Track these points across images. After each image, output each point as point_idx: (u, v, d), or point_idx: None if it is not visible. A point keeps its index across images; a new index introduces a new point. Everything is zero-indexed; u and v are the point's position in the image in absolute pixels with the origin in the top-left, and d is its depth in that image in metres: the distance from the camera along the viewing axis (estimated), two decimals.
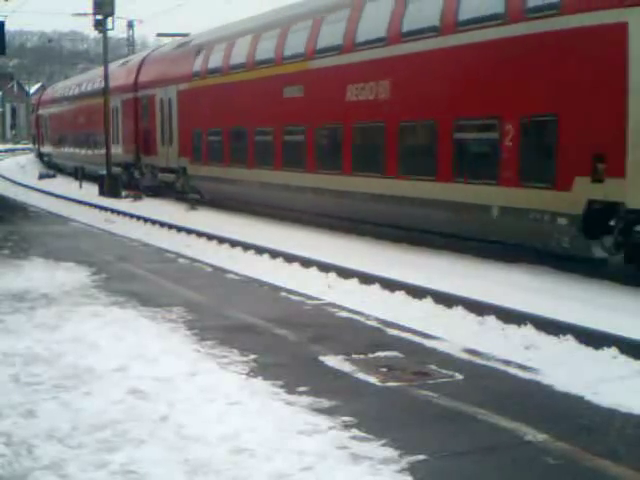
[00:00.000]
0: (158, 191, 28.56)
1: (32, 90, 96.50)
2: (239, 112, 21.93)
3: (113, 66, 36.10)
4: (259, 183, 21.11)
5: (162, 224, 20.86)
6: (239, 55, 22.35)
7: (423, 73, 15.03)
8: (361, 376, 6.58)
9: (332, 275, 12.64)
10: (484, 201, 13.50)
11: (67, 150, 44.14)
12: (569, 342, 8.42)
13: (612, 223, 11.25)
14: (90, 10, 33.71)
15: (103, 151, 33.23)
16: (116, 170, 32.26)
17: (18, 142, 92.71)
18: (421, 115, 15.10)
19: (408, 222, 15.73)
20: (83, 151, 39.77)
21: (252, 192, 21.79)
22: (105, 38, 33.28)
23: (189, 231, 19.01)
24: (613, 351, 7.91)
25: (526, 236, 12.98)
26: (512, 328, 9.08)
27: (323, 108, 18.01)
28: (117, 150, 32.91)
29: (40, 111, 55.12)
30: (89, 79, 41.93)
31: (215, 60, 23.81)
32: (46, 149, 52.11)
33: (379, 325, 8.42)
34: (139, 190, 30.18)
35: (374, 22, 16.27)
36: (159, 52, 31.89)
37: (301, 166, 18.91)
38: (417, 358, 7.10)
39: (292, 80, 19.22)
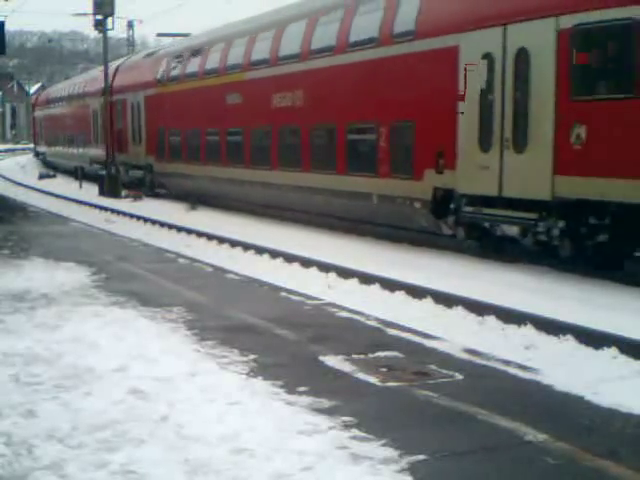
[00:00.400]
0: (131, 187, 30.71)
1: (32, 90, 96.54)
2: (193, 115, 25.02)
3: (95, 71, 40.21)
4: (210, 178, 24.03)
5: (162, 224, 20.85)
6: (193, 66, 25.56)
7: (325, 85, 18.05)
8: (361, 376, 6.58)
9: (332, 275, 12.63)
10: (367, 190, 16.46)
11: (57, 149, 47.15)
12: (569, 342, 8.42)
13: (451, 205, 14.18)
14: (90, 10, 33.74)
15: (84, 150, 37.98)
16: (96, 167, 35.45)
17: (18, 142, 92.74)
18: (324, 120, 18.05)
19: (318, 208, 18.81)
20: (70, 150, 42.75)
21: (205, 186, 24.68)
22: (105, 38, 33.28)
23: (189, 231, 19.01)
24: (613, 351, 7.91)
25: (397, 218, 15.94)
26: (512, 328, 9.08)
27: (256, 113, 21.07)
28: (97, 149, 36.21)
29: (36, 112, 58.42)
30: (75, 83, 45.29)
31: (174, 69, 27.03)
32: (41, 148, 55.06)
33: (379, 325, 8.42)
34: (138, 190, 30.23)
35: (292, 41, 19.38)
36: (130, 61, 35.05)
37: (240, 163, 22.01)
38: (417, 358, 7.10)
39: (233, 89, 22.38)
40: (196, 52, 25.58)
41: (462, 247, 14.38)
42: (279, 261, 14.42)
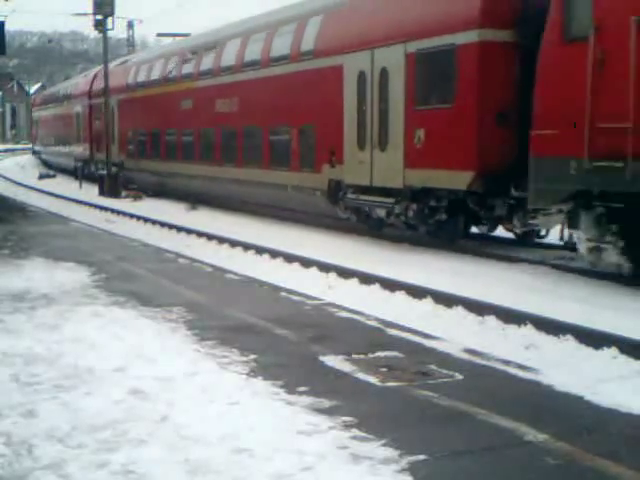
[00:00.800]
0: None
1: (32, 90, 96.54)
2: (155, 118, 28.51)
3: (79, 77, 44.99)
4: (168, 173, 27.57)
5: (162, 224, 20.85)
6: (155, 74, 29.06)
7: (253, 93, 21.31)
8: (361, 376, 6.58)
9: (332, 275, 12.63)
10: (284, 182, 19.58)
11: (51, 148, 50.50)
12: (569, 342, 8.41)
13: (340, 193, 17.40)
14: (90, 10, 33.74)
15: (71, 149, 41.78)
16: (78, 165, 39.51)
17: (18, 142, 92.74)
18: (253, 123, 21.28)
19: (250, 198, 22.37)
20: (60, 149, 46.09)
21: (166, 181, 28.09)
22: (105, 38, 33.28)
23: (189, 231, 19.00)
24: (613, 351, 7.90)
25: (305, 204, 19.19)
26: (512, 328, 9.07)
27: (203, 116, 24.41)
28: (80, 148, 39.78)
29: (33, 113, 62.39)
30: (64, 87, 48.92)
31: (141, 77, 30.62)
32: (38, 147, 58.97)
33: (379, 325, 8.42)
34: (138, 190, 30.30)
35: (230, 56, 22.90)
36: (115, 67, 37.29)
37: (192, 159, 25.43)
38: (417, 358, 7.10)
39: (186, 95, 25.84)
40: (157, 62, 29.31)
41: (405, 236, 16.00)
42: (279, 261, 14.41)
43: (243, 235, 17.39)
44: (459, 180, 13.80)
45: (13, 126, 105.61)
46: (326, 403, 5.84)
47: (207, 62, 24.34)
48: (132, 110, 31.19)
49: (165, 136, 27.56)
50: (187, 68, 25.89)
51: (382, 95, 15.67)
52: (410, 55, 14.90)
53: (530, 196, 12.24)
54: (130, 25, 58.27)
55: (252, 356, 7.10)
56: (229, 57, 22.84)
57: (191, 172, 25.30)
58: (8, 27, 25.13)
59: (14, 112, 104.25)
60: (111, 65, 36.36)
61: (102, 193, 31.33)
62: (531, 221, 13.31)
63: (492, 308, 9.70)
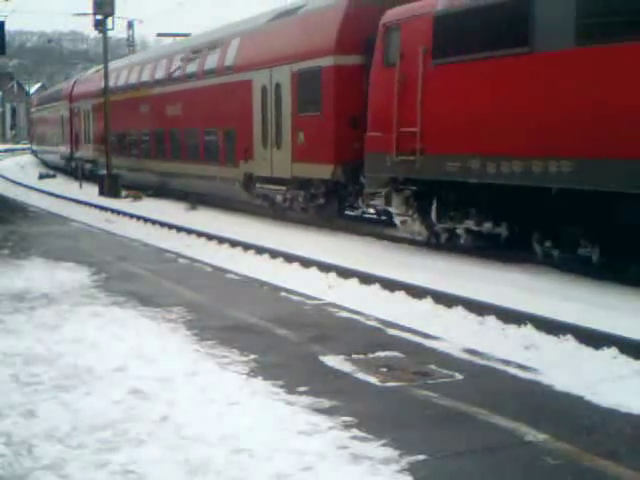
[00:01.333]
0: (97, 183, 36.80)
1: (32, 90, 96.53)
2: (121, 120, 32.38)
3: (64, 83, 49.81)
4: (132, 169, 31.72)
5: (162, 224, 20.86)
6: (121, 81, 33.33)
7: (192, 100, 25.54)
8: (361, 376, 6.58)
9: (332, 275, 12.63)
10: (214, 174, 23.71)
11: (44, 147, 54.64)
12: (569, 342, 8.41)
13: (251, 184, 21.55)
14: (90, 10, 33.72)
15: (57, 148, 46.04)
16: (61, 162, 45.33)
17: (18, 142, 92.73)
18: (192, 125, 25.59)
19: (192, 189, 26.14)
20: (50, 148, 50.26)
21: (131, 175, 31.86)
22: (105, 38, 33.27)
23: (189, 231, 19.01)
24: (613, 351, 7.91)
25: (229, 193, 23.27)
26: (512, 328, 9.07)
27: (157, 119, 28.71)
28: (64, 147, 44.05)
29: (31, 114, 67.07)
30: (54, 90, 53.73)
31: (110, 84, 33.74)
32: (34, 146, 62.87)
33: (379, 325, 8.42)
34: (138, 190, 30.35)
35: (176, 68, 27.16)
36: (85, 74, 43.79)
37: (150, 156, 29.59)
38: (417, 358, 7.10)
39: (144, 101, 29.98)
40: (124, 71, 33.46)
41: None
42: (279, 261, 14.42)
43: (243, 235, 17.40)
44: (325, 171, 17.79)
45: (13, 126, 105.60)
46: (326, 403, 5.84)
47: (160, 73, 28.74)
48: (101, 113, 34.88)
49: (129, 136, 32.10)
50: (145, 77, 30.27)
51: (277, 104, 19.80)
52: (294, 74, 19.01)
53: (366, 182, 16.45)
54: (130, 25, 58.28)
55: (252, 356, 7.10)
56: (175, 69, 27.33)
57: (150, 167, 29.47)
58: (8, 27, 25.45)
59: (14, 112, 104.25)
60: (88, 72, 42.36)
61: (102, 193, 31.35)
62: (371, 202, 16.95)
63: (492, 308, 9.70)
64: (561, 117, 11.40)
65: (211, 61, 24.22)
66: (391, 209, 15.90)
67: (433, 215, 14.63)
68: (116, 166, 32.36)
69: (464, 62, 13.31)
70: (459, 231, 14.38)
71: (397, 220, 15.87)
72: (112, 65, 34.96)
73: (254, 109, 20.88)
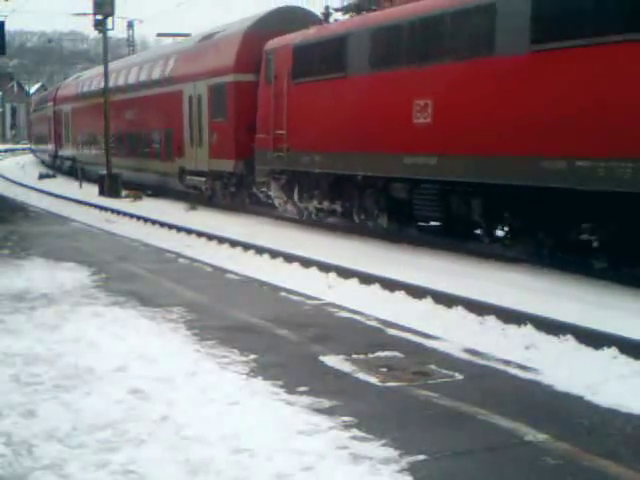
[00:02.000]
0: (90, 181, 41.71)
1: (32, 90, 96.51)
2: (92, 122, 37.20)
3: (51, 88, 56.99)
4: (96, 163, 36.03)
5: (162, 224, 20.86)
6: (92, 88, 38.17)
7: (144, 106, 30.36)
8: (361, 376, 6.58)
9: (332, 275, 12.63)
10: (157, 169, 28.71)
11: (39, 146, 58.79)
12: (569, 342, 8.42)
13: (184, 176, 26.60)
14: (90, 10, 33.70)
15: (47, 146, 51.07)
16: (49, 160, 51.08)
17: (18, 142, 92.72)
18: (144, 127, 30.43)
19: (145, 181, 30.94)
20: (42, 146, 55.34)
21: (95, 169, 35.71)
22: (105, 38, 33.27)
23: (189, 231, 19.01)
24: (613, 351, 7.91)
25: (169, 185, 28.07)
26: (512, 328, 9.07)
27: (119, 122, 32.86)
28: (51, 146, 49.07)
29: (30, 115, 70.78)
30: (45, 94, 59.42)
31: (84, 90, 39.88)
32: (32, 145, 66.83)
33: (379, 325, 8.42)
34: (137, 190, 30.40)
35: (132, 78, 32.27)
36: (68, 80, 49.68)
37: (114, 154, 33.12)
38: (417, 358, 7.10)
39: (110, 106, 33.07)
40: (95, 79, 37.97)
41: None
42: (279, 261, 14.42)
43: (243, 235, 17.40)
44: (229, 165, 22.64)
45: (13, 126, 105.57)
46: (326, 403, 5.84)
47: (121, 81, 33.55)
48: (79, 116, 40.67)
49: (96, 136, 36.70)
50: (116, 85, 34.47)
51: (199, 111, 24.81)
52: (209, 87, 24.03)
53: (256, 173, 20.96)
54: (130, 25, 58.26)
55: (252, 356, 7.10)
56: (132, 79, 32.16)
57: (112, 163, 33.08)
58: (8, 27, 25.50)
59: (14, 112, 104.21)
60: (69, 79, 48.12)
61: (102, 193, 31.35)
62: (263, 189, 21.34)
63: (492, 308, 9.70)
64: (363, 123, 16.28)
65: (156, 73, 29.31)
66: (271, 193, 20.81)
67: (295, 197, 19.70)
68: (85, 161, 38.53)
69: (310, 82, 18.12)
70: (310, 208, 19.38)
71: (276, 202, 20.84)
72: (87, 73, 41.60)
73: (184, 115, 26.04)
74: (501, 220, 13.77)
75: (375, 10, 17.77)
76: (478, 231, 14.73)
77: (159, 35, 52.68)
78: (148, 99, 29.36)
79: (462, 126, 13.58)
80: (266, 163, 20.12)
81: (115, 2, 32.76)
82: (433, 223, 16.03)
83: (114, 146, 32.83)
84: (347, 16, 20.93)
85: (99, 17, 32.95)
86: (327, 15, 20.48)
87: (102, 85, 33.20)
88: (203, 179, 24.73)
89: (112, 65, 34.98)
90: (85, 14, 39.27)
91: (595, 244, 11.64)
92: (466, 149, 13.46)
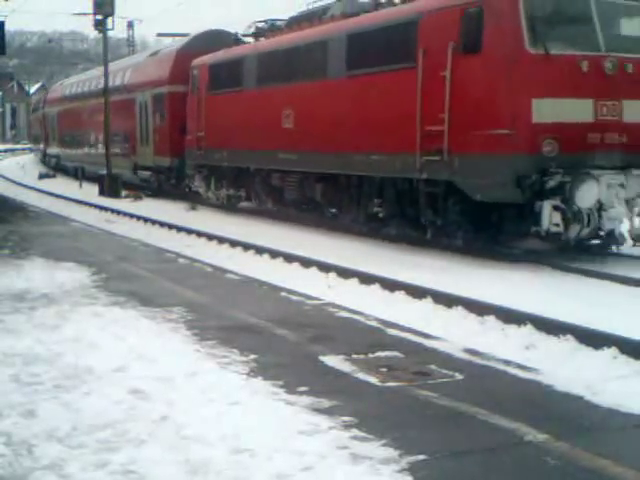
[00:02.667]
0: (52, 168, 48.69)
1: (32, 90, 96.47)
2: (70, 125, 42.95)
3: (43, 91, 64.18)
4: (72, 159, 42.69)
5: (162, 224, 20.85)
6: (67, 93, 43.85)
7: (94, 112, 36.37)
8: (361, 376, 6.58)
9: (332, 275, 12.62)
10: (120, 164, 31.98)
11: (35, 145, 63.54)
12: (569, 342, 8.40)
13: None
14: (90, 10, 33.69)
15: (39, 145, 56.18)
16: (40, 157, 56.46)
17: (18, 142, 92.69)
18: (95, 129, 36.23)
19: (89, 169, 36.99)
20: (38, 145, 58.88)
21: (71, 164, 42.62)
22: (105, 38, 33.27)
23: (189, 231, 19.00)
24: (613, 351, 7.89)
25: (128, 177, 31.48)
26: (512, 328, 9.06)
27: (91, 123, 37.63)
28: (42, 145, 53.99)
29: (31, 115, 74.12)
30: (39, 96, 64.67)
31: (66, 95, 44.49)
32: (31, 145, 70.89)
33: (379, 325, 8.42)
34: (137, 190, 30.46)
35: (97, 86, 36.44)
36: (55, 85, 54.29)
37: (81, 150, 40.08)
38: (417, 358, 7.10)
39: (85, 109, 39.04)
40: (75, 85, 43.29)
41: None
42: (279, 261, 14.41)
43: (243, 235, 17.39)
44: (167, 161, 27.48)
45: (13, 126, 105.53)
46: (326, 403, 5.84)
47: (92, 88, 38.17)
48: (61, 118, 45.54)
49: (77, 137, 41.25)
50: (80, 90, 40.75)
51: (146, 116, 29.45)
52: (152, 96, 28.78)
53: (187, 168, 25.58)
54: (130, 25, 58.26)
55: (252, 356, 7.11)
56: (99, 87, 35.26)
57: (83, 158, 39.31)
58: (8, 27, 25.56)
59: (14, 112, 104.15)
60: (56, 84, 53.28)
61: (102, 193, 31.34)
62: (191, 181, 25.86)
63: (492, 308, 9.69)
64: (252, 127, 20.69)
65: (117, 82, 33.44)
66: (196, 184, 25.27)
67: (212, 186, 24.12)
68: (67, 158, 44.11)
69: (220, 94, 22.67)
70: (222, 195, 23.66)
71: (200, 191, 25.09)
72: (70, 80, 47.36)
73: (136, 118, 30.57)
74: (333, 199, 18.16)
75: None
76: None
77: (159, 35, 52.58)
78: (112, 104, 32.87)
79: (310, 130, 18.07)
80: (192, 159, 24.92)
81: (115, 2, 32.77)
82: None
83: (85, 144, 38.63)
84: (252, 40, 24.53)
85: (99, 17, 32.93)
86: (237, 40, 23.93)
87: (79, 91, 40.65)
88: (150, 173, 29.50)
89: (86, 74, 42.32)
90: (85, 14, 39.29)
91: (381, 215, 16.14)
92: (313, 148, 17.98)
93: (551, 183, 12.42)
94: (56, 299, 9.67)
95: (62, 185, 38.37)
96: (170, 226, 20.29)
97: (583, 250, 13.48)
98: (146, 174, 29.78)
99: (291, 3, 26.40)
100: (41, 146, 54.27)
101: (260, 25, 22.56)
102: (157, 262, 13.21)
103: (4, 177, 45.67)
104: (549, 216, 12.36)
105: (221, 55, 23.20)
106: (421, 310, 10.20)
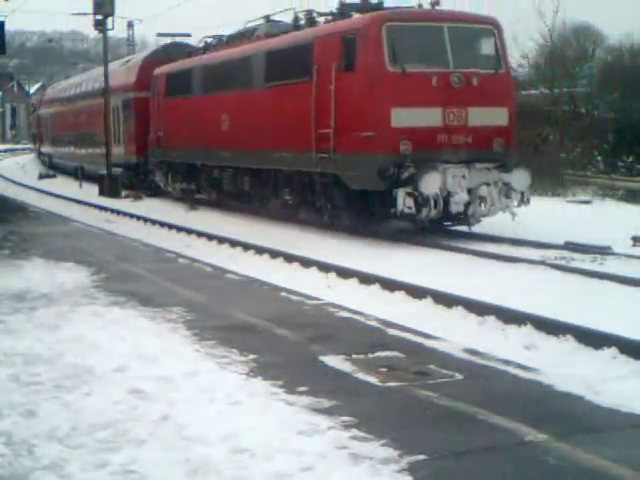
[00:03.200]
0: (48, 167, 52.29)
1: (32, 90, 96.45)
2: (60, 125, 46.39)
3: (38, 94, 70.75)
4: (59, 156, 47.22)
5: (162, 224, 20.85)
6: (57, 96, 48.04)
7: (86, 113, 38.78)
8: (361, 376, 6.58)
9: (332, 275, 12.63)
10: (96, 161, 35.32)
11: (34, 145, 66.26)
12: (569, 342, 8.41)
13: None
14: (90, 10, 33.65)
15: (35, 145, 60.45)
16: (36, 156, 61.57)
17: (18, 142, 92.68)
18: (87, 129, 38.44)
19: (87, 170, 37.80)
20: (33, 145, 63.51)
21: (64, 162, 45.60)
22: (105, 38, 33.26)
23: (189, 231, 19.00)
24: (613, 351, 7.90)
25: (100, 172, 33.06)
26: (512, 328, 9.07)
27: (75, 125, 41.61)
28: (37, 144, 57.80)
29: (30, 116, 78.84)
30: (35, 98, 70.69)
31: (55, 98, 48.89)
32: (31, 144, 74.39)
33: (379, 325, 8.42)
34: (138, 190, 30.48)
35: (78, 92, 42.02)
36: (50, 88, 57.79)
37: (69, 148, 43.57)
38: (417, 358, 7.10)
39: (72, 112, 42.72)
40: (65, 90, 46.72)
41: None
42: (279, 261, 14.41)
43: (243, 235, 17.40)
44: (134, 159, 30.84)
45: (13, 126, 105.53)
46: (326, 403, 5.84)
47: (78, 92, 42.11)
48: (53, 119, 49.33)
49: (66, 136, 44.49)
50: (66, 95, 44.74)
51: (119, 118, 32.85)
52: (122, 100, 32.28)
53: (150, 165, 28.93)
54: (130, 25, 58.23)
55: (252, 356, 7.11)
56: (83, 89, 40.61)
57: (68, 155, 43.70)
58: (8, 27, 25.52)
59: (14, 112, 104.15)
60: (50, 87, 57.70)
61: (102, 193, 31.34)
62: (157, 177, 28.87)
63: (492, 308, 9.70)
64: (199, 128, 24.07)
65: (97, 86, 35.99)
66: (157, 179, 28.64)
67: (169, 181, 27.57)
68: (58, 157, 47.49)
69: (174, 99, 26.28)
70: (178, 188, 27.07)
71: (161, 184, 28.40)
72: (61, 84, 51.64)
73: (112, 120, 33.14)
74: (258, 189, 21.29)
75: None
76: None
77: (159, 35, 52.54)
78: (93, 107, 36.90)
79: (240, 132, 21.27)
80: (154, 156, 28.29)
81: (115, 2, 32.74)
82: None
83: (72, 143, 42.40)
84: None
85: (99, 17, 32.91)
86: (189, 53, 26.82)
87: (67, 94, 44.49)
88: (121, 169, 32.10)
89: (75, 78, 46.80)
90: (85, 14, 39.25)
91: (290, 202, 19.58)
92: (242, 146, 21.27)
93: (405, 174, 15.41)
94: (56, 299, 9.67)
95: (62, 185, 38.36)
96: (170, 226, 20.29)
97: (446, 230, 17.23)
98: (118, 170, 32.51)
99: (291, 3, 26.77)
100: (36, 145, 58.51)
101: (208, 40, 26.02)
102: (157, 262, 13.21)
103: (4, 177, 45.67)
104: (403, 201, 15.36)
105: (176, 65, 26.98)
106: (421, 310, 10.21)
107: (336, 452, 4.94)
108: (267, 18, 22.29)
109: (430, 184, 15.26)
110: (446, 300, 10.36)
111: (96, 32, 35.72)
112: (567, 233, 16.02)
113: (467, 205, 16.06)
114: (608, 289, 11.23)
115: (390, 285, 11.48)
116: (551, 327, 8.76)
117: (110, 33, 34.07)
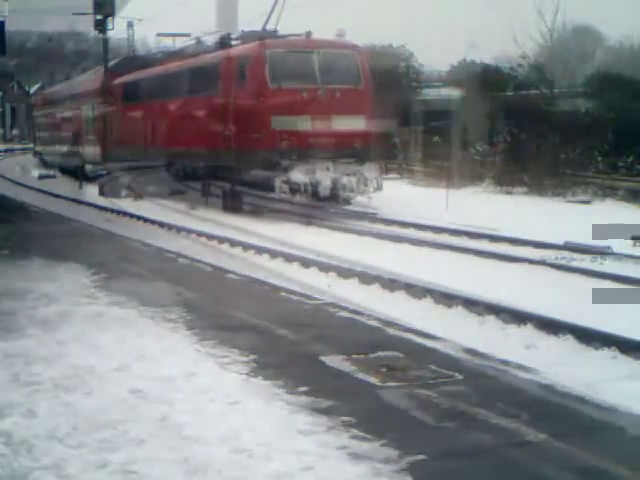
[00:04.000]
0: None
1: (32, 90, 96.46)
2: (48, 126, 50.17)
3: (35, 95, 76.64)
4: (47, 153, 50.54)
5: (162, 224, 20.83)
6: (47, 99, 52.48)
7: (65, 118, 42.93)
8: (361, 376, 6.58)
9: (332, 275, 12.64)
10: (73, 161, 38.85)
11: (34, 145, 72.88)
12: (569, 342, 8.42)
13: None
14: (90, 10, 33.62)
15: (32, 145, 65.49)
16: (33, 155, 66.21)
17: (18, 142, 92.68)
18: (68, 130, 41.59)
19: (65, 167, 41.80)
20: (32, 145, 67.09)
21: (52, 160, 48.09)
22: (105, 38, 33.25)
23: (189, 231, 19.00)
24: (613, 351, 7.91)
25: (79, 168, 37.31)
26: (512, 328, 9.08)
27: (60, 127, 45.20)
28: (33, 143, 63.73)
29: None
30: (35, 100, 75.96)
31: (46, 101, 52.62)
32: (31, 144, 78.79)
33: (379, 325, 8.42)
34: (138, 191, 30.54)
35: (60, 97, 46.47)
36: (44, 92, 63.02)
37: (53, 146, 47.64)
38: (417, 358, 7.10)
39: (58, 115, 46.62)
40: (55, 95, 50.63)
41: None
42: (279, 261, 14.42)
43: (243, 235, 17.39)
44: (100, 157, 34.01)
45: (13, 126, 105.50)
46: (326, 403, 5.84)
47: (59, 97, 46.25)
48: (43, 121, 53.44)
49: (50, 137, 48.72)
50: (56, 98, 48.06)
51: (89, 124, 37.20)
52: (92, 107, 35.63)
53: (107, 167, 31.72)
54: (130, 25, 58.19)
55: (252, 356, 7.10)
56: (61, 98, 44.87)
57: (53, 152, 47.06)
58: (8, 27, 25.28)
59: (14, 112, 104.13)
60: (45, 91, 62.79)
61: (102, 193, 31.33)
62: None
63: (492, 308, 9.71)
64: (146, 131, 29.21)
65: (72, 94, 40.97)
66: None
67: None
68: (46, 155, 51.08)
69: (128, 105, 31.05)
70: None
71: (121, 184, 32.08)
72: (53, 88, 56.12)
73: (82, 124, 38.24)
74: (190, 179, 26.13)
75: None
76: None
77: (159, 35, 52.66)
78: (71, 112, 41.53)
79: (171, 133, 26.92)
80: (111, 156, 31.99)
81: (115, 2, 32.73)
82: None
83: (55, 143, 46.70)
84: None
85: (99, 17, 32.88)
86: (142, 66, 30.77)
87: (52, 99, 49.16)
88: (91, 166, 35.70)
89: (59, 85, 52.02)
90: (85, 14, 39.21)
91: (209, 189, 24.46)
92: (174, 145, 26.52)
93: (282, 166, 20.43)
94: (56, 299, 9.66)
95: (62, 185, 38.29)
96: (170, 226, 20.28)
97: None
98: (90, 167, 36.77)
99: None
100: (32, 144, 63.40)
101: (158, 56, 31.33)
102: (157, 262, 13.20)
103: (4, 177, 45.66)
104: (279, 187, 20.61)
105: (129, 76, 31.76)
106: (421, 310, 10.21)
107: (336, 452, 4.94)
108: (197, 39, 29.41)
109: (299, 175, 20.30)
110: (446, 300, 10.36)
111: (96, 32, 35.73)
112: (567, 233, 16.04)
113: (334, 191, 20.84)
114: (608, 289, 11.23)
115: (390, 285, 11.49)
116: (551, 327, 8.76)
117: (110, 33, 34.07)
